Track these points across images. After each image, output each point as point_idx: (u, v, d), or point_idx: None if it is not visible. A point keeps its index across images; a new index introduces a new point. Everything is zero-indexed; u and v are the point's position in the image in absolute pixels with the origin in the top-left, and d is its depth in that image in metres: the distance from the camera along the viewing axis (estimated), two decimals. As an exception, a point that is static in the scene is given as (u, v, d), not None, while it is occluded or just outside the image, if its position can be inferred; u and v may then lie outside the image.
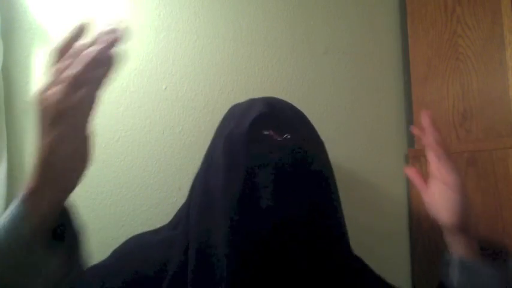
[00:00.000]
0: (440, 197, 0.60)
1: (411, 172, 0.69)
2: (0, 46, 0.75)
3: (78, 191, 0.83)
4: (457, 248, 0.60)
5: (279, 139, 0.65)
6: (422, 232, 1.05)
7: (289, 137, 0.65)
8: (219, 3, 0.98)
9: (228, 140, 0.64)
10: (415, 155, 1.08)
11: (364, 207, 1.06)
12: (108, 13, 0.87)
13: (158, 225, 0.75)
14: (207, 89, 0.94)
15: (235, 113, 0.71)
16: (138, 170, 0.87)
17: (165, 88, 0.91)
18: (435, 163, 0.60)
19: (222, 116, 0.95)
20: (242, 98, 0.98)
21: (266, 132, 0.65)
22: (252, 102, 0.72)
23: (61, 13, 0.84)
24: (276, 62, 1.02)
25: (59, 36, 0.84)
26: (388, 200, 1.10)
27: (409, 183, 1.10)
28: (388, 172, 1.11)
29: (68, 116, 0.38)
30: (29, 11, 0.81)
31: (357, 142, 1.08)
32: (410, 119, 1.13)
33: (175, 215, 0.72)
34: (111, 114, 0.86)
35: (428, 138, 0.60)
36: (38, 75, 0.81)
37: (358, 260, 0.74)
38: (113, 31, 0.40)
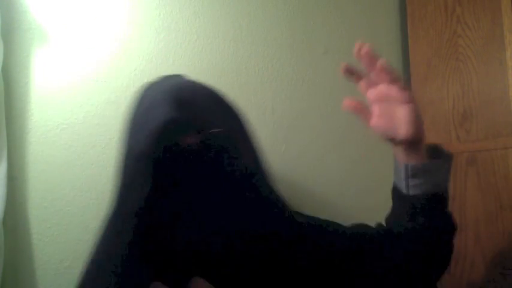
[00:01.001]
0: (393, 116, 0.60)
1: (350, 104, 0.65)
2: (0, 46, 0.75)
3: (78, 191, 0.83)
4: (409, 158, 0.61)
5: (190, 145, 0.57)
6: (422, 232, 1.05)
7: (192, 141, 0.57)
8: (219, 3, 0.98)
9: (129, 160, 0.58)
10: (415, 155, 1.08)
11: (364, 207, 1.06)
12: (108, 13, 0.87)
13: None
14: (207, 89, 0.94)
15: (140, 112, 0.60)
16: (138, 170, 0.87)
17: (165, 88, 0.91)
18: (385, 86, 0.61)
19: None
20: (242, 98, 0.98)
21: (174, 141, 0.56)
22: (155, 99, 0.59)
23: (61, 13, 0.84)
24: (276, 62, 1.02)
25: (58, 36, 0.84)
26: (388, 200, 1.10)
27: (409, 183, 1.10)
28: (388, 172, 1.11)
29: None
30: (29, 11, 0.81)
31: (357, 142, 1.08)
32: (410, 119, 1.13)
33: None
34: (111, 114, 0.86)
35: (376, 64, 0.60)
36: (38, 75, 0.81)
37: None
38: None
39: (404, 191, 0.61)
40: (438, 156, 0.63)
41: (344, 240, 0.64)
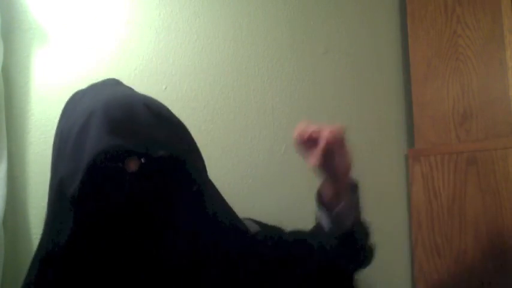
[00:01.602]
0: (334, 162, 0.65)
1: (301, 137, 0.63)
2: (0, 46, 0.75)
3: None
4: (328, 190, 0.67)
5: (128, 172, 0.50)
6: (422, 232, 1.05)
7: (134, 167, 0.50)
8: (219, 3, 0.98)
9: (57, 192, 0.51)
10: (415, 155, 1.08)
11: (364, 207, 1.06)
12: (108, 13, 0.87)
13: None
14: (207, 89, 0.94)
15: (71, 131, 0.52)
16: (138, 170, 0.87)
17: (165, 88, 0.91)
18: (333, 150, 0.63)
19: (222, 116, 0.95)
20: (242, 98, 0.98)
21: (111, 169, 0.50)
22: (90, 124, 0.50)
23: (61, 13, 0.84)
24: (276, 62, 1.02)
25: (59, 36, 0.84)
26: (388, 199, 1.10)
27: (409, 183, 1.10)
28: (388, 172, 1.11)
29: None
30: (29, 11, 0.81)
31: (357, 142, 1.08)
32: (410, 119, 1.13)
33: None
34: (111, 114, 0.86)
35: (326, 135, 0.61)
36: (38, 75, 0.81)
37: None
38: None
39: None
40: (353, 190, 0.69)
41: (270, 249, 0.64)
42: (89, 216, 0.49)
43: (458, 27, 0.99)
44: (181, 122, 0.58)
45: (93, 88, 0.62)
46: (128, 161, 0.50)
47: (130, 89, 0.64)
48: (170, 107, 0.90)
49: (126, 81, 0.88)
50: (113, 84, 0.63)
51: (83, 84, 0.85)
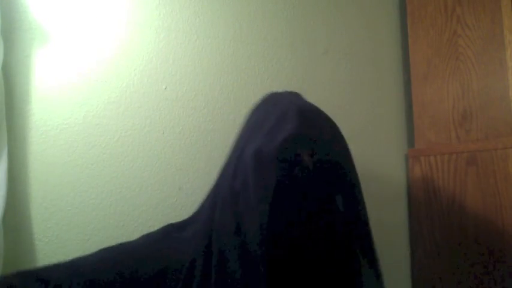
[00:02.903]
0: None
1: None
2: (0, 46, 0.75)
3: (78, 191, 0.83)
4: None
5: (310, 161, 0.64)
6: (423, 232, 1.05)
7: (318, 159, 0.64)
8: (219, 3, 0.98)
9: (257, 157, 0.63)
10: (415, 155, 1.08)
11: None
12: (108, 13, 0.87)
13: (158, 226, 0.74)
14: (207, 89, 0.94)
15: (270, 117, 0.68)
16: (138, 170, 0.87)
17: (165, 88, 0.91)
18: None
19: (222, 116, 0.95)
20: (242, 98, 0.98)
21: (297, 153, 0.63)
22: (287, 111, 0.68)
23: (61, 13, 0.84)
24: (276, 62, 1.02)
25: (59, 36, 0.84)
26: (388, 199, 1.10)
27: (409, 183, 1.10)
28: (388, 172, 1.11)
29: None
30: (29, 11, 0.81)
31: (357, 142, 1.08)
32: (410, 119, 1.13)
33: (200, 208, 0.72)
34: (111, 114, 0.86)
35: None
36: (38, 75, 0.81)
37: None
38: None
39: None
40: None
41: None
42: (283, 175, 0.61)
43: (458, 27, 0.99)
44: (343, 136, 0.72)
45: (290, 94, 0.78)
46: (307, 152, 0.63)
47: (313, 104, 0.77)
48: (170, 107, 0.91)
49: (126, 81, 0.88)
50: (296, 93, 0.79)
51: (83, 84, 0.85)
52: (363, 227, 0.71)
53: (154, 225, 0.85)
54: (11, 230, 0.76)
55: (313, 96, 1.06)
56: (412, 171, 1.08)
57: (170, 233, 0.68)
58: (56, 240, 0.80)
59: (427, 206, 1.04)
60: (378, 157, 1.10)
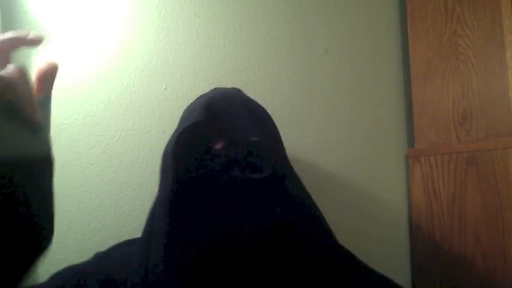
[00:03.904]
0: None
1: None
2: (0, 46, 0.75)
3: (78, 191, 0.83)
4: None
5: (214, 148, 0.60)
6: (423, 233, 1.05)
7: (220, 146, 0.60)
8: (219, 3, 0.98)
9: (162, 158, 0.63)
10: (415, 155, 1.08)
11: (364, 207, 1.06)
12: (108, 13, 0.87)
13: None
14: (207, 89, 0.94)
15: (184, 117, 0.68)
16: (138, 170, 0.87)
17: (165, 88, 0.91)
18: None
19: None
20: (242, 98, 0.98)
21: (201, 142, 0.60)
22: (196, 106, 0.65)
23: (61, 13, 0.84)
24: (276, 62, 1.02)
25: (59, 36, 0.84)
26: (388, 199, 1.10)
27: (409, 183, 1.10)
28: (388, 172, 1.11)
29: None
30: (29, 11, 0.81)
31: (357, 142, 1.08)
32: (410, 119, 1.13)
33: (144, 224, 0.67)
34: (111, 114, 0.86)
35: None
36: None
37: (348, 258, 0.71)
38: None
39: None
40: None
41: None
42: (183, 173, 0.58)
43: (458, 27, 0.99)
44: (270, 116, 0.68)
45: (225, 89, 0.74)
46: (215, 141, 0.59)
47: (239, 91, 0.72)
48: (170, 107, 0.91)
49: (126, 81, 0.89)
50: (230, 89, 0.74)
51: (83, 84, 0.85)
52: (310, 226, 0.63)
53: (154, 225, 0.85)
54: (11, 230, 0.76)
55: (313, 96, 1.06)
56: (412, 171, 1.08)
57: (119, 247, 0.66)
58: (56, 240, 0.79)
59: (427, 206, 1.04)
60: (378, 157, 1.10)
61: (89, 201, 0.83)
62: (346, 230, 1.02)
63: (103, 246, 0.67)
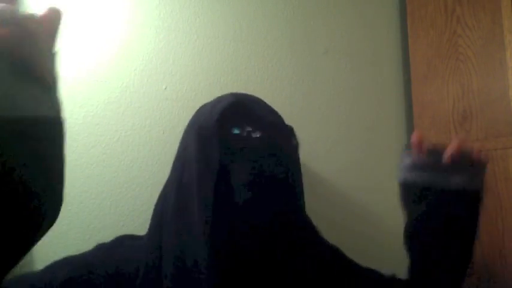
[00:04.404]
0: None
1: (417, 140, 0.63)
2: (0, 46, 0.75)
3: (78, 191, 0.83)
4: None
5: (251, 136, 0.60)
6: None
7: (258, 135, 0.60)
8: (219, 3, 0.98)
9: (199, 133, 0.61)
10: (415, 155, 1.08)
11: (364, 207, 1.06)
12: (108, 13, 0.87)
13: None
14: (207, 89, 0.94)
15: (205, 109, 0.67)
16: (138, 170, 0.87)
17: (165, 88, 0.91)
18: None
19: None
20: (242, 98, 0.98)
21: (236, 128, 0.60)
22: (219, 97, 0.67)
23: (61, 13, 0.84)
24: (276, 62, 1.02)
25: (58, 36, 0.84)
26: (388, 199, 1.10)
27: (409, 183, 1.10)
28: (388, 172, 1.11)
29: None
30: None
31: (357, 142, 1.08)
32: (410, 119, 1.13)
33: (151, 219, 0.66)
34: (111, 114, 0.86)
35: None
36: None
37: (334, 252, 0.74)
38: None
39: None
40: None
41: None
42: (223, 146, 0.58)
43: (458, 27, 0.99)
44: (285, 123, 0.70)
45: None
46: (248, 124, 0.60)
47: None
48: (170, 107, 0.91)
49: (126, 81, 0.88)
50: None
51: (83, 84, 0.85)
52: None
53: (154, 225, 0.85)
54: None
55: (313, 96, 1.06)
56: (412, 171, 1.08)
57: (123, 241, 0.65)
58: (56, 240, 0.80)
59: (427, 206, 1.04)
60: (378, 157, 1.10)
61: (89, 201, 0.83)
62: (346, 230, 1.02)
63: (103, 246, 0.66)
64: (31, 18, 0.36)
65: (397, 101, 1.15)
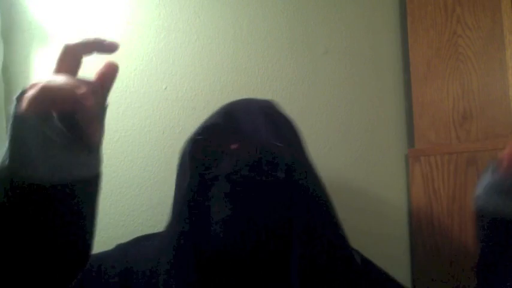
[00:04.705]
0: None
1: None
2: (0, 46, 0.75)
3: (78, 191, 0.83)
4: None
5: (230, 148, 0.61)
6: (423, 233, 1.05)
7: (235, 146, 0.60)
8: (219, 3, 0.98)
9: (184, 147, 0.64)
10: (415, 155, 1.08)
11: (364, 207, 1.06)
12: (108, 13, 0.87)
13: (158, 226, 0.75)
14: (207, 89, 0.94)
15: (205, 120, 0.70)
16: (138, 170, 0.87)
17: (165, 88, 0.91)
18: None
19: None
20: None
21: (211, 151, 0.61)
22: (217, 111, 0.68)
23: (61, 13, 0.84)
24: (276, 62, 1.02)
25: (58, 36, 0.84)
26: (388, 200, 1.10)
27: (409, 183, 1.10)
28: (388, 172, 1.11)
29: None
30: (29, 11, 0.81)
31: (357, 142, 1.08)
32: (410, 119, 1.13)
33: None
34: (111, 114, 0.86)
35: None
36: (38, 75, 0.81)
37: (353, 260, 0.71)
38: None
39: None
40: None
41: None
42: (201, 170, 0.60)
43: (458, 27, 0.99)
44: (292, 122, 0.69)
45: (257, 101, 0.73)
46: (230, 142, 0.60)
47: (267, 101, 0.71)
48: (170, 107, 0.91)
49: (126, 81, 0.88)
50: (256, 99, 0.72)
51: (83, 84, 0.85)
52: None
53: (154, 225, 0.85)
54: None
55: (313, 96, 1.06)
56: (412, 171, 1.08)
57: (139, 240, 0.68)
58: (56, 240, 0.80)
59: (427, 206, 1.04)
60: (378, 157, 1.10)
61: (89, 201, 0.83)
62: (346, 229, 1.02)
63: (103, 247, 0.66)
64: (95, 86, 0.39)
65: (397, 101, 1.15)
